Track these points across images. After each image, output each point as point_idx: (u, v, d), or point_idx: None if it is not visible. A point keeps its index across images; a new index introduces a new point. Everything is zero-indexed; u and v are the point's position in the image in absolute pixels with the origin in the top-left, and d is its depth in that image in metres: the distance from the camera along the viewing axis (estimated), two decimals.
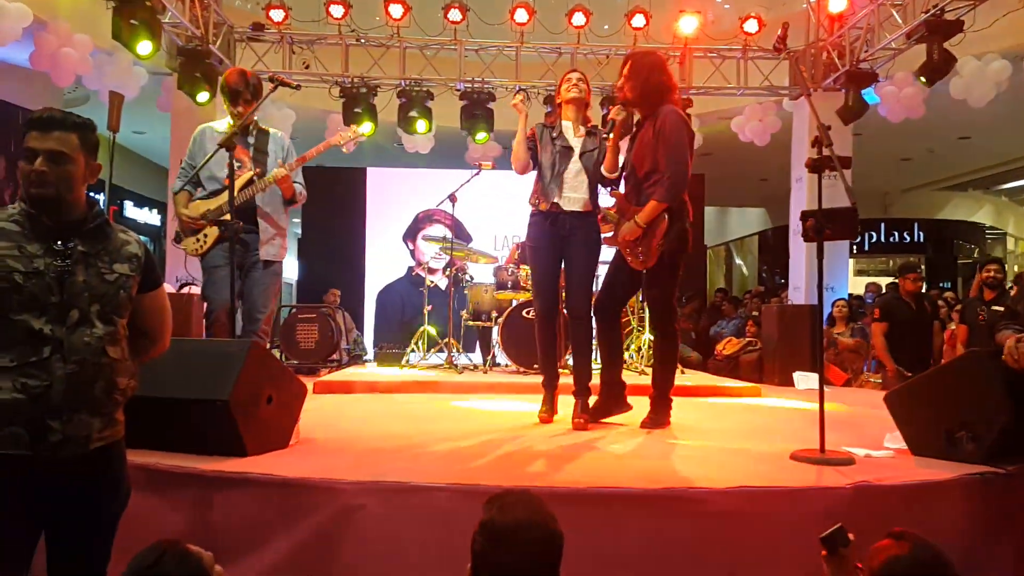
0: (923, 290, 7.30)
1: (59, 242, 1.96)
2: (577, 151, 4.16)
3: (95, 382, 1.97)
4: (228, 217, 3.83)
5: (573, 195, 4.12)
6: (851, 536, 2.00)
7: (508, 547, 1.69)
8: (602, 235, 4.22)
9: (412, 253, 10.44)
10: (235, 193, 3.81)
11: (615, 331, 4.28)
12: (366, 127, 8.43)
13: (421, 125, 8.93)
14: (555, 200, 4.10)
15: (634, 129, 4.16)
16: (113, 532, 2.12)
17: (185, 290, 6.94)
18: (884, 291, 10.69)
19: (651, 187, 3.91)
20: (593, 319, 4.23)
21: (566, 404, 4.22)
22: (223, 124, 4.23)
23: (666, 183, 3.83)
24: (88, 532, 2.06)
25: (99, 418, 1.99)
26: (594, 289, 4.42)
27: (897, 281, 7.19)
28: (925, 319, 7.10)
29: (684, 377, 6.72)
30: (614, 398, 4.23)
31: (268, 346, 4.23)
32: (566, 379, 4.34)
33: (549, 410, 4.21)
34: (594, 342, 4.42)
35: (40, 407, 1.89)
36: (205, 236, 4.13)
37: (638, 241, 3.95)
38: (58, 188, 1.96)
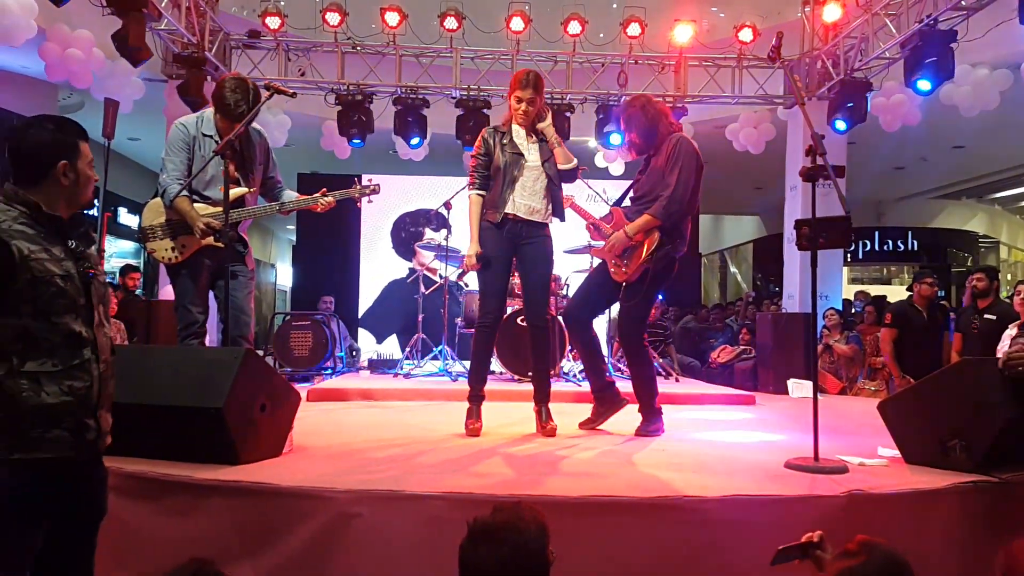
0: (938, 296, 7.28)
1: (71, 245, 2.00)
2: (534, 159, 4.04)
3: (112, 380, 2.06)
4: (218, 225, 3.78)
5: (529, 203, 4.00)
6: (813, 538, 2.01)
7: (481, 547, 1.76)
8: (591, 244, 4.24)
9: (414, 257, 10.45)
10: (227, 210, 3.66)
11: (589, 337, 4.29)
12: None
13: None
14: (507, 209, 3.98)
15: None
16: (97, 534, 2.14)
17: None
18: (870, 300, 10.66)
19: (651, 204, 3.97)
20: (565, 328, 4.24)
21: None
22: (209, 126, 3.99)
23: (664, 201, 3.92)
24: (88, 531, 2.09)
25: (110, 414, 2.07)
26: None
27: (910, 290, 7.16)
28: (936, 328, 7.09)
29: (678, 386, 6.74)
30: (607, 401, 4.25)
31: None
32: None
33: (477, 421, 4.03)
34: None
35: (83, 407, 1.95)
36: (184, 245, 3.94)
37: (625, 253, 4.03)
38: None
